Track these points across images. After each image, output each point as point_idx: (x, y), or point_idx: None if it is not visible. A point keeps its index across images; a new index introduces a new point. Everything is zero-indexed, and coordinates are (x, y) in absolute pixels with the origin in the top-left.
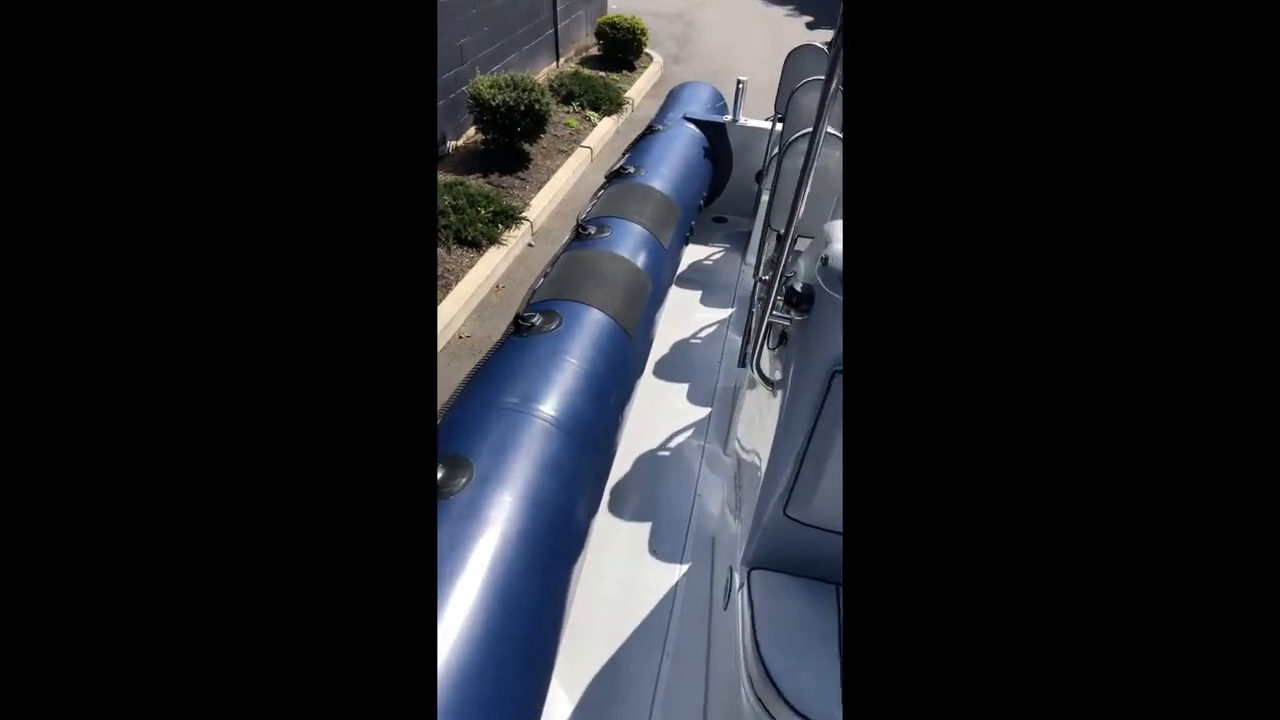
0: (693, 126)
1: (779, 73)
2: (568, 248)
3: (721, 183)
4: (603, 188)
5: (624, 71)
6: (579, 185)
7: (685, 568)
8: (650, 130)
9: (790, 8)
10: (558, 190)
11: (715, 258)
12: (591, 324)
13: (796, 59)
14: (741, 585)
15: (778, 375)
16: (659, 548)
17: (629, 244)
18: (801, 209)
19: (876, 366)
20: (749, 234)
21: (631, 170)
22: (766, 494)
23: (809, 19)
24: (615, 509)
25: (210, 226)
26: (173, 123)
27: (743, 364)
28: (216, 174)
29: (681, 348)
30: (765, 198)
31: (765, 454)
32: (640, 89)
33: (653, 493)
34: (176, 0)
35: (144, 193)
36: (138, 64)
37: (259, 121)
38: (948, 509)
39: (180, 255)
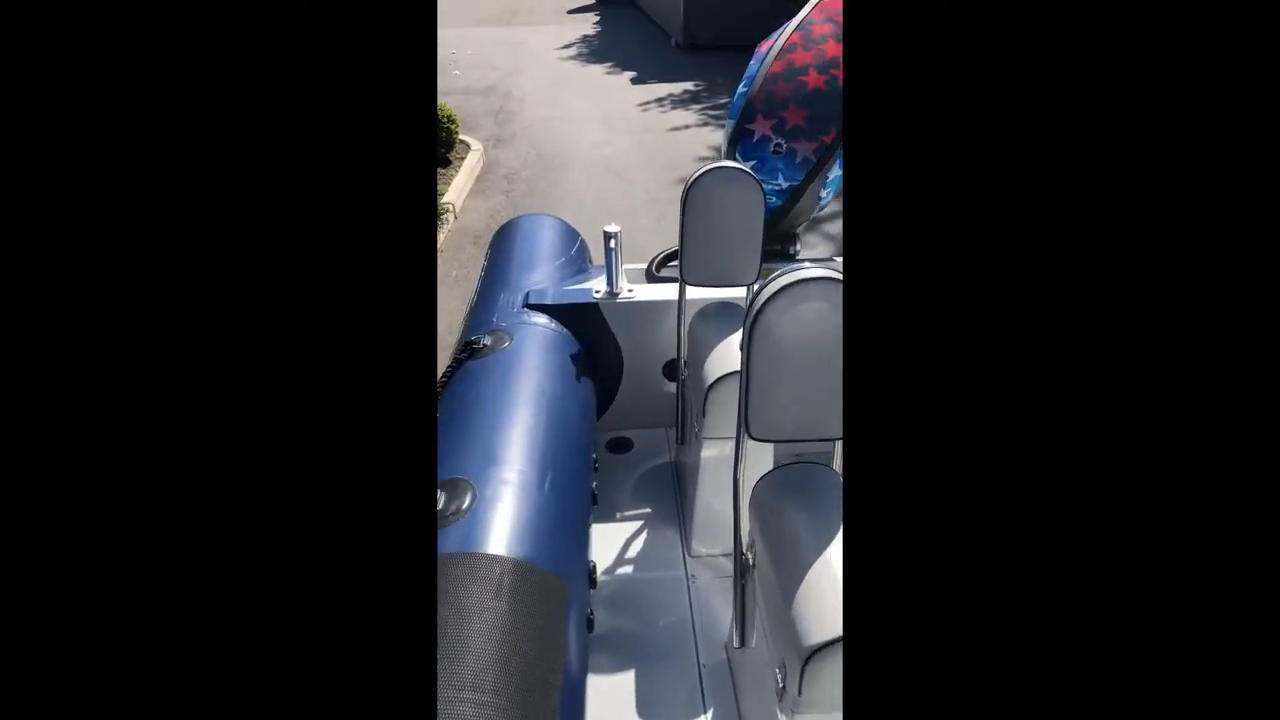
0: (545, 321)
1: (611, 147)
2: None
3: (609, 396)
4: None
5: (438, 170)
6: None
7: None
8: (470, 350)
9: (608, 65)
10: None
11: (637, 546)
12: None
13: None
14: None
15: None
16: None
17: None
18: None
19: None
20: (674, 467)
21: (451, 513)
22: None
23: (632, 74)
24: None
25: (204, 226)
26: (170, 102)
27: None
28: (210, 177)
29: None
30: (707, 451)
31: None
32: (460, 188)
33: None
34: None
35: (135, 161)
36: (125, 38)
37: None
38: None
39: (163, 257)
